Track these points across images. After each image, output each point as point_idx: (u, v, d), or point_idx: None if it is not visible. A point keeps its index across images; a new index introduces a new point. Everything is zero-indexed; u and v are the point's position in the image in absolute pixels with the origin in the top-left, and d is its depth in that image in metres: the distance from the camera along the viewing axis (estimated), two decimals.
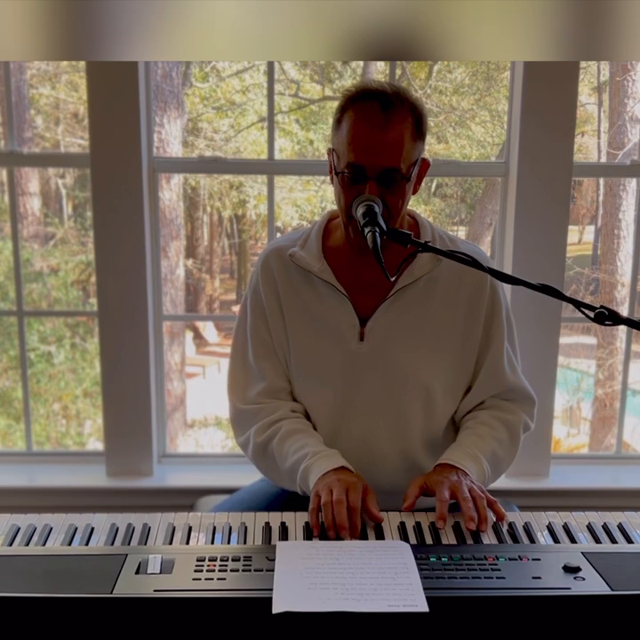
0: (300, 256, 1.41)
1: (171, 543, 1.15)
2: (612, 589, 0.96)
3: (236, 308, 1.57)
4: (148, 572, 0.99)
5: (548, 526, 1.21)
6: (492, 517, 1.21)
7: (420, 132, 1.32)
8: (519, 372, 1.48)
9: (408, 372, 1.40)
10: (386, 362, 1.40)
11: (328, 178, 1.40)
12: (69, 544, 1.14)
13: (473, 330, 1.42)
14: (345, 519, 1.15)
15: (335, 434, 1.42)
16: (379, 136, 1.27)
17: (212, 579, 0.98)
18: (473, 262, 1.18)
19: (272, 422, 1.41)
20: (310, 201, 6.26)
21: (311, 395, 1.44)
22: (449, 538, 1.17)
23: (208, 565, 1.01)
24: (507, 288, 2.25)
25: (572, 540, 1.16)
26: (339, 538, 1.15)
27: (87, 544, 1.14)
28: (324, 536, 1.16)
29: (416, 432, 1.42)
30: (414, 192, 1.38)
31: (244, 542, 1.15)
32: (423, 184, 1.40)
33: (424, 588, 0.95)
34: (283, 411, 1.43)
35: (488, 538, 1.17)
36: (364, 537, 1.17)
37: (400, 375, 1.40)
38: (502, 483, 2.31)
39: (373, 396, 1.41)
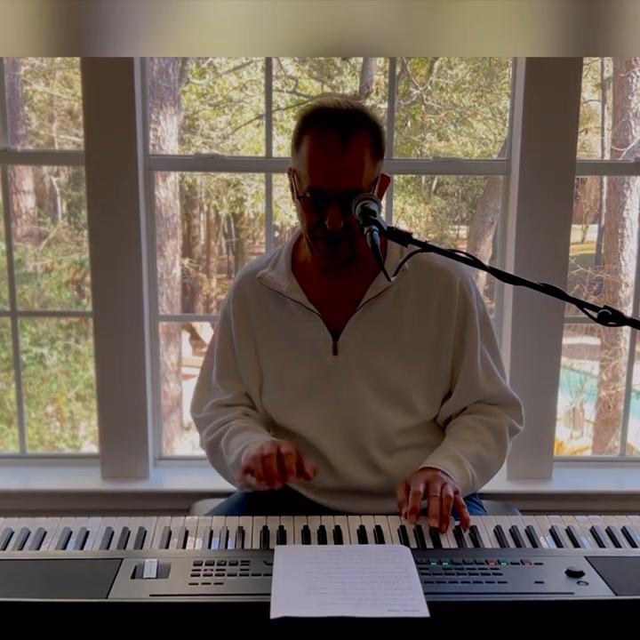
0: (268, 277, 1.44)
1: (167, 547, 1.13)
2: (616, 594, 0.95)
3: None
4: (144, 576, 0.98)
5: (550, 530, 1.20)
6: (454, 522, 1.20)
7: (379, 150, 1.34)
8: (498, 378, 1.47)
9: (384, 381, 1.42)
10: (361, 373, 1.42)
11: None
12: (64, 548, 1.13)
13: (445, 336, 1.43)
14: (275, 470, 1.21)
15: (319, 446, 1.43)
16: (338, 161, 1.28)
17: (209, 583, 0.96)
18: (474, 262, 1.17)
19: (222, 423, 1.46)
20: None
21: (291, 412, 1.46)
22: (450, 542, 1.16)
23: (205, 570, 1.00)
24: (508, 288, 2.25)
25: (576, 545, 1.15)
26: (335, 539, 1.14)
27: (82, 548, 1.13)
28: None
29: (400, 434, 1.43)
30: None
31: (242, 546, 1.14)
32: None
33: (425, 593, 0.94)
34: (235, 413, 1.48)
35: (490, 542, 1.16)
36: (363, 540, 1.16)
37: (377, 385, 1.42)
38: (504, 486, 2.29)
39: (353, 407, 1.42)
